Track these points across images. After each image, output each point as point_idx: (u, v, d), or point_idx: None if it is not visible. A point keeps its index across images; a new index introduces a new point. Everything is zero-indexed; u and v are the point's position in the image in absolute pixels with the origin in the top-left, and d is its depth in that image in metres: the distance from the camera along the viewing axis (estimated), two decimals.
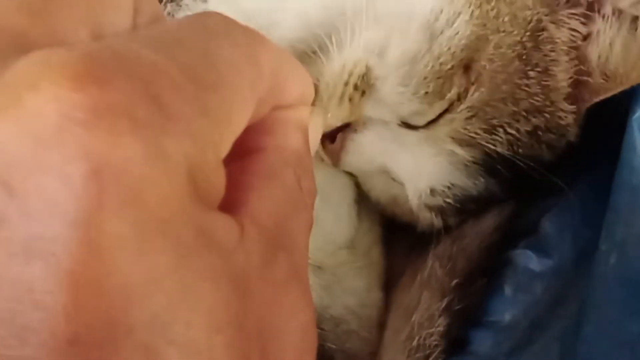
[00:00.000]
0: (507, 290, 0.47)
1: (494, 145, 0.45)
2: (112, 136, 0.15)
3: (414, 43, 0.44)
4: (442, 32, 0.44)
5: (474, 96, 0.44)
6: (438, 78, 0.43)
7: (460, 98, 0.44)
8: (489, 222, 0.50)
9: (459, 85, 0.44)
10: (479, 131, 0.45)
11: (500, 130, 0.45)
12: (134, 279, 0.16)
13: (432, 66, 0.43)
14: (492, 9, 0.44)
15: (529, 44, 0.45)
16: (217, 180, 0.18)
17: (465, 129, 0.45)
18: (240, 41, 0.20)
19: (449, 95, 0.44)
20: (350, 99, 0.45)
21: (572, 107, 0.47)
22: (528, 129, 0.45)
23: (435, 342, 0.45)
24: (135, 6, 0.21)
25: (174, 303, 0.16)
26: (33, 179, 0.15)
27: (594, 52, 0.46)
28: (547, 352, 0.41)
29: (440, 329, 0.46)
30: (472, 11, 0.44)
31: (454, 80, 0.44)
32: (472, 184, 0.47)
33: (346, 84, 0.45)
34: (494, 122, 0.45)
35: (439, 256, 0.49)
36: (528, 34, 0.45)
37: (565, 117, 0.47)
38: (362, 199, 0.53)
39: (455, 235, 0.50)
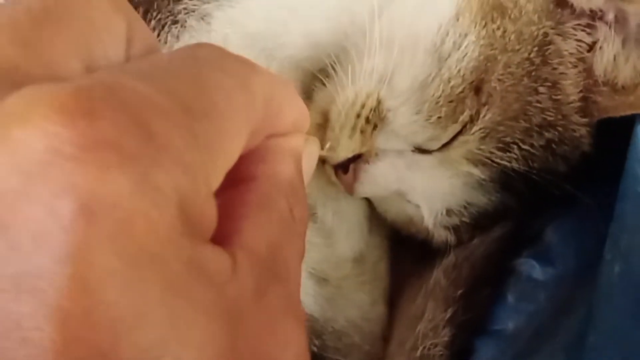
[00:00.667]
0: (511, 299, 0.47)
1: (510, 162, 0.45)
2: (101, 170, 0.15)
3: (422, 68, 0.44)
4: (450, 55, 0.44)
5: (486, 117, 0.44)
6: (450, 102, 0.43)
7: (472, 120, 0.44)
8: (494, 232, 0.50)
9: (471, 107, 0.44)
10: (493, 150, 0.45)
11: (515, 147, 0.45)
12: (122, 312, 0.15)
13: (443, 90, 0.43)
14: (497, 28, 0.45)
15: (537, 60, 0.45)
16: (209, 211, 0.18)
17: (480, 149, 0.45)
18: (233, 70, 0.20)
19: (461, 118, 0.44)
20: (362, 131, 0.45)
21: (584, 120, 0.47)
22: (542, 143, 0.45)
23: (440, 353, 0.45)
24: (128, 37, 0.21)
25: (164, 337, 0.16)
26: (22, 213, 0.15)
27: (599, 65, 0.46)
28: None
29: (445, 339, 0.46)
30: (478, 32, 0.44)
31: (466, 103, 0.44)
32: (488, 200, 0.47)
33: (358, 115, 0.45)
34: (508, 139, 0.45)
35: (444, 266, 0.49)
36: (535, 49, 0.45)
37: (578, 129, 0.47)
38: (373, 213, 0.53)
39: (460, 245, 0.50)
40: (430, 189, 0.47)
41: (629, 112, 0.44)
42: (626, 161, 0.41)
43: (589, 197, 0.45)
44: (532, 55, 0.45)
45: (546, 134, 0.45)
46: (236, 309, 0.18)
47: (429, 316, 0.47)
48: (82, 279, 0.15)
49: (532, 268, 0.47)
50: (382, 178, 0.46)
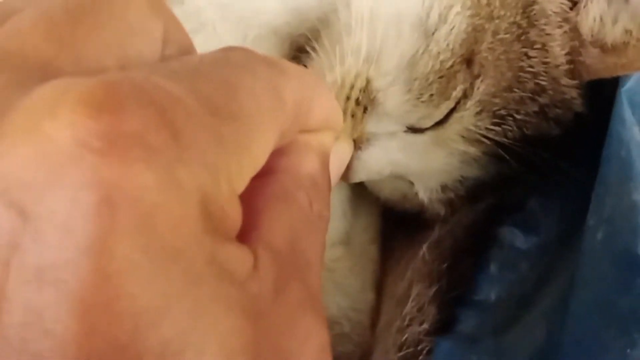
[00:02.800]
0: (493, 268, 0.46)
1: (505, 136, 0.44)
2: (125, 164, 0.16)
3: (409, 44, 0.42)
4: (437, 29, 0.42)
5: (480, 89, 0.43)
6: (441, 77, 0.42)
7: (466, 94, 0.43)
8: (479, 203, 0.49)
9: (464, 81, 0.42)
10: (489, 126, 0.43)
11: (510, 119, 0.44)
12: (144, 305, 0.16)
13: (433, 65, 0.42)
14: None
15: (523, 22, 0.44)
16: (232, 211, 0.18)
17: (476, 125, 0.43)
18: (262, 74, 0.20)
19: (454, 94, 0.42)
20: (352, 115, 0.43)
21: (573, 82, 0.46)
22: (535, 109, 0.44)
23: (426, 330, 0.44)
24: (164, 38, 0.21)
25: (185, 330, 0.16)
26: (46, 204, 0.15)
27: (585, 25, 0.45)
28: (533, 330, 0.40)
29: (430, 316, 0.45)
30: (463, 2, 0.43)
31: (458, 77, 0.42)
32: (484, 173, 0.46)
33: (348, 98, 0.43)
34: (502, 112, 0.43)
35: (429, 242, 0.48)
36: (520, 11, 0.44)
37: (569, 91, 0.46)
38: (361, 196, 0.52)
39: (443, 218, 0.49)
40: (425, 169, 0.46)
41: (620, 74, 0.42)
42: (610, 125, 0.40)
43: (571, 163, 0.44)
44: (518, 19, 0.44)
45: (539, 99, 0.44)
46: (257, 304, 0.18)
47: (415, 296, 0.46)
48: (104, 271, 0.15)
49: (515, 236, 0.46)
50: (375, 163, 0.44)
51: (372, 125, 0.44)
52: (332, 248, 0.50)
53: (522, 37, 0.44)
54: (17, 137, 0.16)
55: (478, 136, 0.44)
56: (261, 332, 0.18)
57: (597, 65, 0.45)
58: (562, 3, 0.45)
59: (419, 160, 0.45)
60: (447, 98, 0.42)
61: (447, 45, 0.42)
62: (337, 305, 0.49)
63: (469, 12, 0.43)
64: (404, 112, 0.43)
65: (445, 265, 0.47)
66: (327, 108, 0.24)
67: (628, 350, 0.36)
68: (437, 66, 0.42)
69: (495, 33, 0.43)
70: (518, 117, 0.44)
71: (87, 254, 0.15)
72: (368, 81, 0.43)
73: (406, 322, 0.45)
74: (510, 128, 0.44)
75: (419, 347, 0.44)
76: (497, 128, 0.43)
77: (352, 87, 0.43)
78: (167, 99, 0.17)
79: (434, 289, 0.46)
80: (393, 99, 0.43)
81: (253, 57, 0.21)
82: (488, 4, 0.43)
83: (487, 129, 0.43)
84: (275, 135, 0.20)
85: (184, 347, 0.16)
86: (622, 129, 0.39)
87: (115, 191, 0.16)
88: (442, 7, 0.43)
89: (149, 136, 0.16)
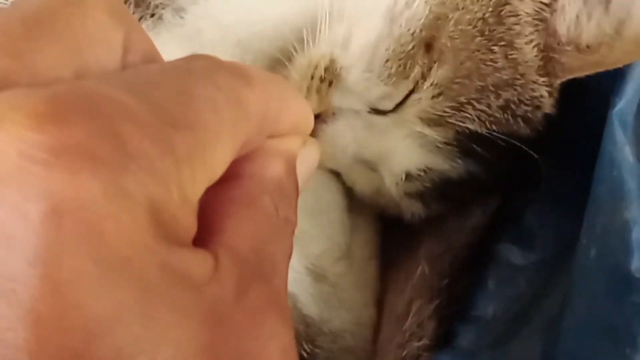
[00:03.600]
0: (491, 284, 0.47)
1: (464, 122, 0.45)
2: (71, 175, 0.16)
3: (375, 29, 0.45)
4: (401, 14, 0.44)
5: (438, 73, 0.44)
6: (400, 59, 0.44)
7: (424, 76, 0.44)
8: (476, 219, 0.50)
9: (422, 65, 0.44)
10: (447, 109, 0.45)
11: (469, 107, 0.45)
12: (96, 314, 0.16)
13: (394, 48, 0.44)
14: None
15: (491, 20, 0.45)
16: (184, 217, 0.18)
17: (433, 107, 0.45)
18: (224, 84, 0.21)
19: (412, 75, 0.44)
20: (317, 91, 0.45)
21: (544, 79, 0.47)
22: (500, 103, 0.45)
23: (425, 345, 0.45)
24: (125, 46, 0.21)
25: (137, 337, 0.16)
26: None
27: (561, 24, 0.46)
28: (530, 345, 0.42)
29: (430, 331, 0.46)
30: None
31: (417, 60, 0.44)
32: (449, 166, 0.47)
33: (312, 77, 0.45)
34: (462, 99, 0.45)
35: (428, 257, 0.49)
36: (490, 9, 0.45)
37: (538, 88, 0.47)
38: (360, 213, 0.53)
39: (442, 234, 0.50)
40: (387, 150, 0.47)
41: (593, 71, 0.44)
42: (601, 145, 0.41)
43: (566, 182, 0.45)
44: (486, 15, 0.45)
45: (503, 94, 0.45)
46: (217, 307, 0.18)
47: (415, 312, 0.47)
48: (53, 282, 0.15)
49: (511, 253, 0.48)
50: (340, 137, 0.46)
51: (336, 99, 0.46)
52: (336, 263, 0.51)
53: (487, 32, 0.45)
54: None
55: (436, 117, 0.45)
56: (221, 334, 0.18)
57: (572, 63, 0.46)
58: (536, 4, 0.46)
59: (381, 141, 0.46)
60: (406, 78, 0.44)
61: (408, 29, 0.44)
62: (341, 319, 0.50)
63: (434, 1, 0.44)
64: (365, 89, 0.45)
65: (446, 281, 0.48)
66: (296, 114, 0.24)
67: None
68: (398, 48, 0.44)
69: (457, 23, 0.44)
70: (478, 106, 0.45)
71: (35, 265, 0.15)
72: (332, 60, 0.45)
73: (406, 338, 0.46)
74: (469, 116, 0.45)
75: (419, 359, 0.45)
76: (455, 112, 0.45)
77: (316, 67, 0.45)
78: (114, 108, 0.17)
79: (434, 305, 0.47)
80: (355, 75, 0.45)
81: (216, 67, 0.21)
82: None
83: (444, 112, 0.45)
84: (235, 145, 0.20)
85: (136, 354, 0.16)
86: (614, 149, 0.40)
87: (61, 202, 0.16)
88: None
89: (94, 147, 0.16)
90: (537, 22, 0.46)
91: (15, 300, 0.15)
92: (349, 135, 0.46)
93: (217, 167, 0.20)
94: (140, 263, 0.17)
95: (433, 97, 0.45)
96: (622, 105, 0.42)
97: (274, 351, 0.20)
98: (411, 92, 0.45)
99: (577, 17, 0.46)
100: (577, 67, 0.46)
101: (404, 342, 0.46)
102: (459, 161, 0.47)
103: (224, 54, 0.45)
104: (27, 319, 0.15)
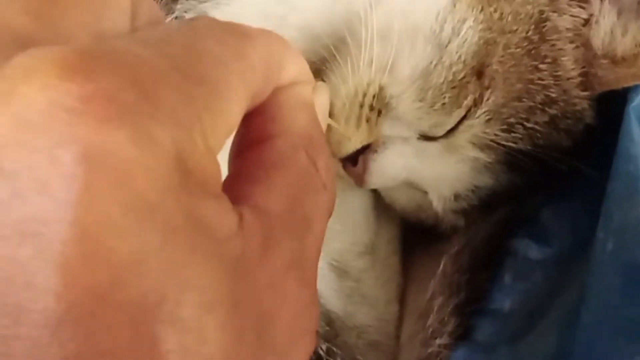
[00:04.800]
0: (507, 278, 0.47)
1: (515, 143, 0.45)
2: (100, 121, 0.16)
3: (423, 55, 0.44)
4: (449, 42, 0.44)
5: (490, 100, 0.44)
6: (453, 88, 0.44)
7: (476, 104, 0.44)
8: (497, 216, 0.50)
9: (474, 92, 0.44)
10: (498, 132, 0.45)
11: (519, 127, 0.45)
12: (121, 258, 0.16)
13: (446, 77, 0.44)
14: (495, 11, 0.45)
15: (535, 38, 0.45)
16: (209, 166, 0.19)
17: (485, 132, 0.45)
18: (227, 39, 0.21)
19: (465, 103, 0.44)
20: (367, 120, 0.45)
21: (584, 94, 0.47)
22: (545, 120, 0.46)
23: (446, 342, 0.46)
24: (133, 9, 0.22)
25: (163, 282, 0.16)
26: (24, 161, 0.16)
27: (596, 38, 0.46)
28: (546, 340, 0.42)
29: (450, 328, 0.46)
30: (476, 16, 0.44)
31: (469, 88, 0.44)
32: (495, 181, 0.48)
33: (361, 105, 0.45)
34: (512, 120, 0.45)
35: (450, 255, 0.50)
36: (533, 27, 0.45)
37: (580, 102, 0.47)
38: (384, 209, 0.53)
39: (463, 230, 0.51)
40: (438, 175, 0.47)
41: (631, 84, 0.44)
42: (618, 141, 0.41)
43: (583, 177, 0.46)
44: (530, 34, 0.45)
45: (549, 111, 0.46)
46: (239, 262, 0.19)
47: (437, 309, 0.47)
48: (82, 225, 0.16)
49: (528, 248, 0.48)
50: (391, 167, 0.46)
51: (386, 128, 0.46)
52: (359, 258, 0.51)
53: (533, 51, 0.45)
54: None
55: (488, 142, 0.45)
56: (241, 289, 0.18)
57: (609, 76, 0.47)
58: (574, 20, 0.47)
59: (431, 167, 0.47)
60: (459, 107, 0.44)
61: (459, 57, 0.44)
62: (364, 315, 0.50)
63: (481, 26, 0.44)
64: (417, 119, 0.45)
65: (466, 277, 0.48)
66: (297, 64, 0.25)
67: (637, 358, 0.37)
68: (450, 77, 0.44)
69: (506, 47, 0.44)
70: (528, 125, 0.45)
71: (64, 209, 0.16)
72: (381, 88, 0.45)
73: (429, 335, 0.47)
74: (520, 136, 0.45)
75: (439, 358, 0.46)
76: (506, 135, 0.45)
77: (365, 95, 0.45)
78: (136, 62, 0.18)
79: (454, 301, 0.47)
80: (406, 105, 0.45)
81: (217, 25, 0.22)
82: (500, 18, 0.45)
83: (496, 135, 0.45)
84: (246, 95, 0.21)
85: (161, 298, 0.16)
86: (630, 144, 0.41)
87: (91, 148, 0.16)
88: (456, 20, 0.44)
89: (122, 95, 0.17)
90: (575, 37, 0.47)
91: (45, 244, 0.16)
92: (399, 163, 0.46)
93: (233, 116, 0.20)
94: (166, 209, 0.17)
95: (485, 122, 0.45)
96: (639, 101, 0.42)
97: (288, 312, 0.20)
98: (463, 118, 0.45)
99: (612, 30, 0.46)
100: (614, 80, 0.46)
101: (427, 339, 0.47)
102: (504, 175, 0.47)
103: None
104: (55, 261, 0.15)
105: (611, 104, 0.44)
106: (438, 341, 0.46)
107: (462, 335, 0.47)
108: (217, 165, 0.19)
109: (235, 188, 0.21)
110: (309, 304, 0.21)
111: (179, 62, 0.19)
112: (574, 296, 0.42)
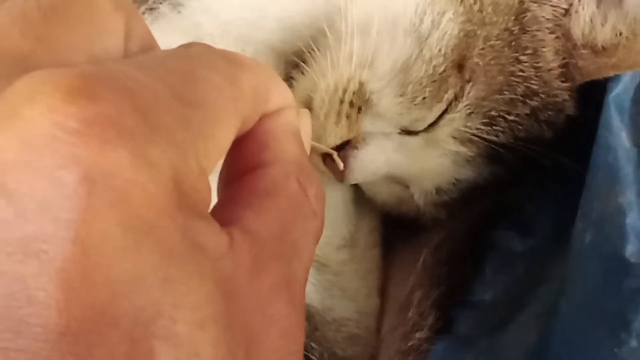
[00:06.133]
0: (488, 271, 0.47)
1: (496, 136, 0.45)
2: (101, 144, 0.17)
3: (403, 49, 0.44)
4: (429, 35, 0.43)
5: (471, 93, 0.44)
6: (433, 82, 0.43)
7: (457, 97, 0.44)
8: (476, 208, 0.50)
9: (455, 85, 0.44)
10: (479, 126, 0.45)
11: (501, 120, 0.45)
12: (119, 274, 0.17)
13: (426, 70, 0.43)
14: (474, 3, 0.44)
15: (515, 29, 0.45)
16: (202, 188, 0.19)
17: (466, 126, 0.45)
18: (221, 67, 0.22)
19: (446, 97, 0.44)
20: (347, 117, 0.44)
21: (565, 85, 0.47)
22: (527, 112, 0.45)
23: (427, 334, 0.46)
24: (126, 33, 0.22)
25: (158, 299, 0.17)
26: (28, 182, 0.17)
27: (576, 28, 0.46)
28: (526, 331, 0.42)
29: (430, 321, 0.46)
30: (456, 8, 0.44)
31: (450, 82, 0.43)
32: (476, 174, 0.47)
33: (341, 101, 0.44)
34: (493, 113, 0.45)
35: (429, 245, 0.49)
36: (513, 18, 0.45)
37: (561, 94, 0.47)
38: (364, 202, 0.53)
39: (443, 222, 0.50)
40: (419, 169, 0.47)
41: (611, 74, 0.44)
42: (597, 131, 0.41)
43: (563, 167, 0.45)
44: (510, 25, 0.45)
45: (530, 102, 0.45)
46: (230, 282, 0.19)
47: (417, 302, 0.47)
48: (83, 243, 0.16)
49: (510, 240, 0.48)
50: (372, 162, 0.46)
51: (367, 124, 0.45)
52: (338, 251, 0.51)
53: (514, 43, 0.45)
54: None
55: (469, 136, 0.45)
56: (233, 308, 0.19)
57: (589, 66, 0.46)
58: (554, 10, 0.46)
59: (413, 161, 0.46)
60: (439, 101, 0.44)
61: (440, 50, 0.43)
62: (344, 308, 0.50)
63: (461, 19, 0.44)
64: (398, 114, 0.44)
65: (445, 269, 0.48)
66: (282, 91, 0.25)
67: (616, 350, 0.37)
68: (430, 71, 0.43)
69: (486, 39, 0.44)
70: (509, 118, 0.45)
71: (66, 228, 0.16)
72: (361, 84, 0.44)
73: (409, 328, 0.47)
74: (501, 129, 0.45)
75: (420, 351, 0.46)
76: (487, 128, 0.45)
77: (345, 91, 0.44)
78: (137, 86, 0.18)
79: (435, 294, 0.47)
80: (387, 100, 0.44)
81: (211, 52, 0.23)
82: (480, 10, 0.44)
83: (477, 129, 0.45)
84: (237, 121, 0.22)
85: (157, 314, 0.17)
86: (610, 134, 0.40)
87: (92, 169, 0.17)
88: (435, 13, 0.44)
89: (122, 119, 0.17)
90: (555, 27, 0.46)
91: (47, 261, 0.16)
92: (380, 158, 0.46)
93: (225, 140, 0.21)
94: (163, 229, 0.18)
95: (466, 115, 0.44)
96: (619, 91, 0.42)
97: (275, 332, 0.21)
98: (444, 112, 0.44)
99: (592, 20, 0.45)
100: (595, 70, 0.46)
101: (407, 332, 0.46)
102: (486, 168, 0.47)
103: (224, 46, 0.46)
104: (57, 277, 0.16)
105: (591, 95, 0.44)
106: (418, 335, 0.46)
107: (442, 328, 0.46)
108: (209, 187, 0.20)
109: (225, 211, 0.22)
110: (296, 326, 0.22)
111: (176, 87, 0.20)
112: (554, 287, 0.42)
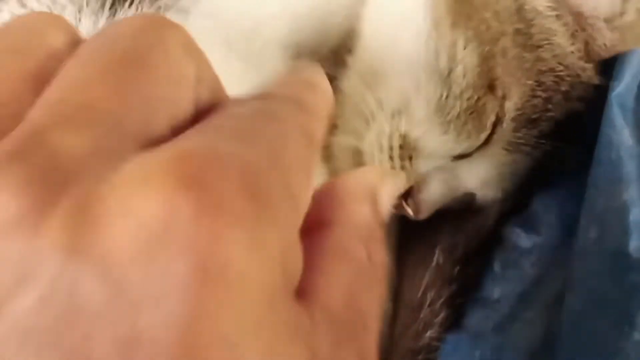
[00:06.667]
0: (497, 267, 0.48)
1: (540, 134, 0.46)
2: (215, 233, 0.16)
3: (430, 90, 0.44)
4: (451, 70, 0.44)
5: (510, 108, 0.45)
6: (472, 113, 0.44)
7: (499, 117, 0.45)
8: (494, 208, 0.51)
9: (494, 109, 0.44)
10: (527, 132, 0.46)
11: (543, 119, 0.46)
12: None
13: (461, 105, 0.44)
14: (480, 23, 0.44)
15: (521, 26, 0.45)
16: (299, 260, 0.19)
17: (515, 137, 0.46)
18: (303, 126, 0.21)
19: (489, 123, 0.44)
20: (402, 168, 0.45)
21: (589, 65, 0.47)
22: (559, 98, 0.46)
23: (438, 333, 0.47)
24: (197, 78, 0.21)
25: None
26: (143, 275, 0.16)
27: (591, 5, 0.47)
28: (533, 326, 0.42)
29: (441, 320, 0.47)
30: (465, 35, 0.44)
31: (488, 107, 0.44)
32: (519, 176, 0.49)
33: (391, 157, 0.45)
34: (535, 116, 0.46)
35: (443, 246, 0.50)
36: (516, 18, 0.45)
37: (584, 72, 0.47)
38: None
39: (458, 223, 0.51)
40: (479, 184, 0.48)
41: (636, 47, 0.44)
42: (600, 129, 0.42)
43: (569, 165, 0.46)
44: (516, 25, 0.45)
45: (561, 89, 0.46)
46: None
47: (430, 301, 0.48)
48: (193, 339, 0.15)
49: (518, 236, 0.48)
50: (437, 196, 0.47)
51: (421, 167, 0.46)
52: None
53: (528, 43, 0.45)
54: (112, 216, 0.16)
55: (520, 144, 0.46)
56: None
57: (613, 42, 0.47)
58: None
59: (472, 179, 0.48)
60: (484, 128, 0.45)
61: (467, 83, 0.44)
62: None
63: (474, 44, 0.44)
64: (447, 150, 0.46)
65: (457, 268, 0.49)
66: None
67: (619, 343, 0.38)
68: (465, 104, 0.44)
69: (504, 52, 0.44)
70: (548, 115, 0.46)
71: (178, 323, 0.15)
72: (404, 136, 0.45)
73: (421, 328, 0.47)
74: (542, 126, 0.46)
75: (431, 349, 0.46)
76: (533, 131, 0.46)
77: (391, 148, 0.45)
78: (240, 162, 0.17)
79: (447, 294, 0.48)
80: (433, 142, 0.45)
81: (293, 107, 0.21)
82: (487, 28, 0.44)
83: (525, 135, 0.46)
84: (313, 181, 0.21)
85: None
86: (613, 132, 0.41)
87: (205, 260, 0.16)
88: (447, 46, 0.44)
89: (232, 203, 0.16)
90: (557, 13, 0.47)
91: (156, 357, 0.15)
92: (444, 189, 0.47)
93: (309, 201, 0.20)
94: (272, 319, 0.17)
95: (513, 128, 0.45)
96: (621, 89, 0.42)
97: None
98: (491, 133, 0.45)
99: None
100: (619, 45, 0.47)
101: (419, 331, 0.47)
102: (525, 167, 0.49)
103: (235, 50, 0.46)
104: None
105: (594, 93, 0.45)
106: (429, 333, 0.46)
107: (452, 325, 0.47)
108: (302, 255, 0.19)
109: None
110: None
111: (274, 153, 0.19)
112: (560, 283, 0.42)
